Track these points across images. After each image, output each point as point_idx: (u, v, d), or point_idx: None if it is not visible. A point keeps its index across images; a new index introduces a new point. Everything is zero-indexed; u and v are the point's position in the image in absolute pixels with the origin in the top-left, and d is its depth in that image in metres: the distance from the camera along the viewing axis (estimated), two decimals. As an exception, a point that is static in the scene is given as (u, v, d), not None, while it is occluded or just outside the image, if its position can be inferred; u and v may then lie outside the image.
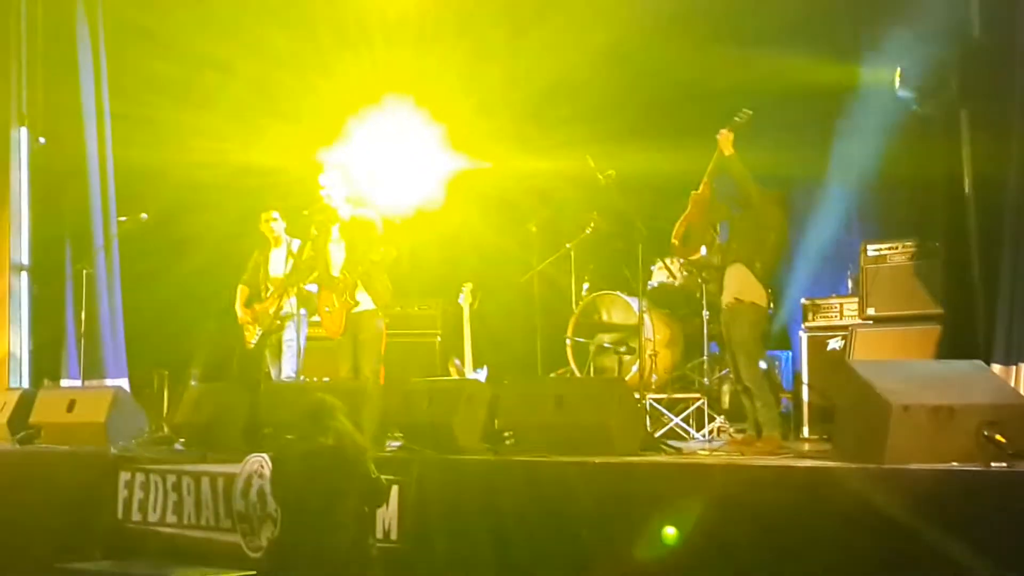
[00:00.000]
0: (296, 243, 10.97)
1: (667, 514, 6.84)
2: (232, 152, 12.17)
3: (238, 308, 11.17)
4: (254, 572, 8.10)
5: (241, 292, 11.20)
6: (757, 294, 8.99)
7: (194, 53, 12.68)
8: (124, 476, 9.30)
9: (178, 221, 12.42)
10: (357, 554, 7.17)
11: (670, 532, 6.64)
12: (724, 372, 10.66)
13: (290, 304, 10.89)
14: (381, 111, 12.64)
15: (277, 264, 11.08)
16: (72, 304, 12.13)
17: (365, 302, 10.05)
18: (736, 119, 9.09)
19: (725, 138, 9.08)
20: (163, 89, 12.78)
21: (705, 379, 10.68)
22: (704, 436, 10.23)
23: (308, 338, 11.14)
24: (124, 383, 12.22)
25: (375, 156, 12.06)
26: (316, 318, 10.82)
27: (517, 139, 12.06)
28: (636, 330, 10.51)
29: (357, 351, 10.02)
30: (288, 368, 10.86)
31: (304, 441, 7.23)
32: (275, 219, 11.06)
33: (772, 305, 9.50)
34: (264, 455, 8.40)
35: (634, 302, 10.79)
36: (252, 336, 11.09)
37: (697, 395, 10.69)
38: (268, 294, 11.01)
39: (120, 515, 9.26)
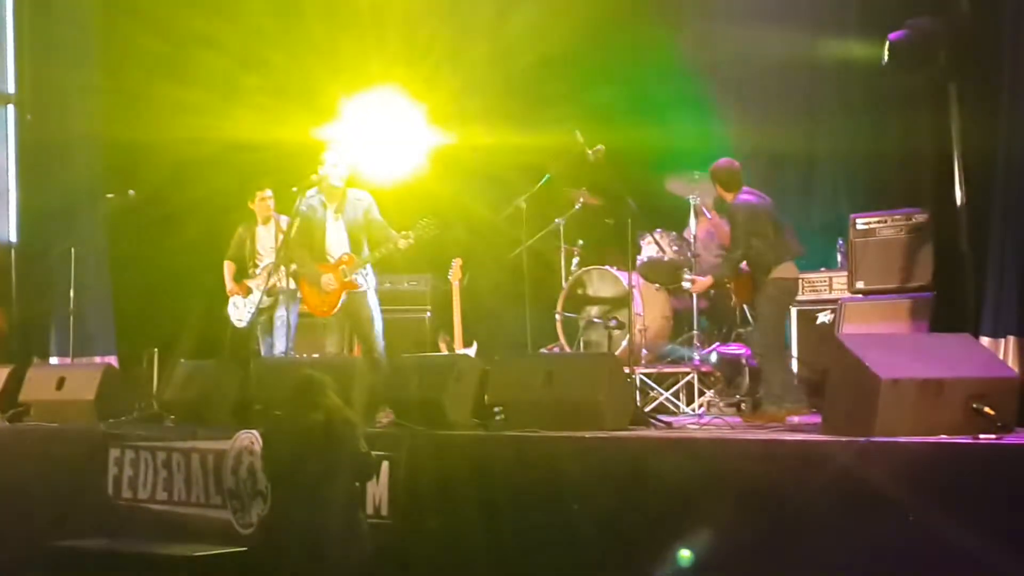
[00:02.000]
0: (284, 219, 10.96)
1: (657, 488, 6.87)
2: (222, 129, 12.14)
3: (228, 283, 11.16)
4: (244, 548, 8.09)
5: (229, 268, 11.21)
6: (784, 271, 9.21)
7: (183, 30, 12.65)
8: (114, 453, 9.30)
9: (167, 198, 12.38)
10: (348, 530, 7.18)
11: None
12: (713, 347, 10.70)
13: (281, 281, 10.88)
14: (370, 90, 12.66)
15: (265, 241, 11.06)
16: (60, 282, 12.09)
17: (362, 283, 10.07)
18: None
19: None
20: (152, 65, 12.74)
21: (695, 353, 10.69)
22: (694, 410, 10.25)
23: (299, 315, 11.15)
24: (113, 360, 12.22)
25: (366, 134, 12.08)
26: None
27: (505, 116, 12.05)
28: (626, 305, 10.52)
29: (360, 331, 10.07)
30: (280, 345, 10.87)
31: (294, 417, 7.23)
32: (270, 197, 11.07)
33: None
34: (254, 432, 8.40)
35: (624, 277, 10.79)
36: (240, 313, 11.08)
37: (687, 369, 10.70)
38: (258, 271, 11.00)
39: (110, 492, 9.26)
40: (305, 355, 11.06)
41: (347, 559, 7.10)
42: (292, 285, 10.90)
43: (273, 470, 7.51)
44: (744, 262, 9.30)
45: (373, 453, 7.48)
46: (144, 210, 12.14)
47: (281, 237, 10.90)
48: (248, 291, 11.04)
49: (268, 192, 11.08)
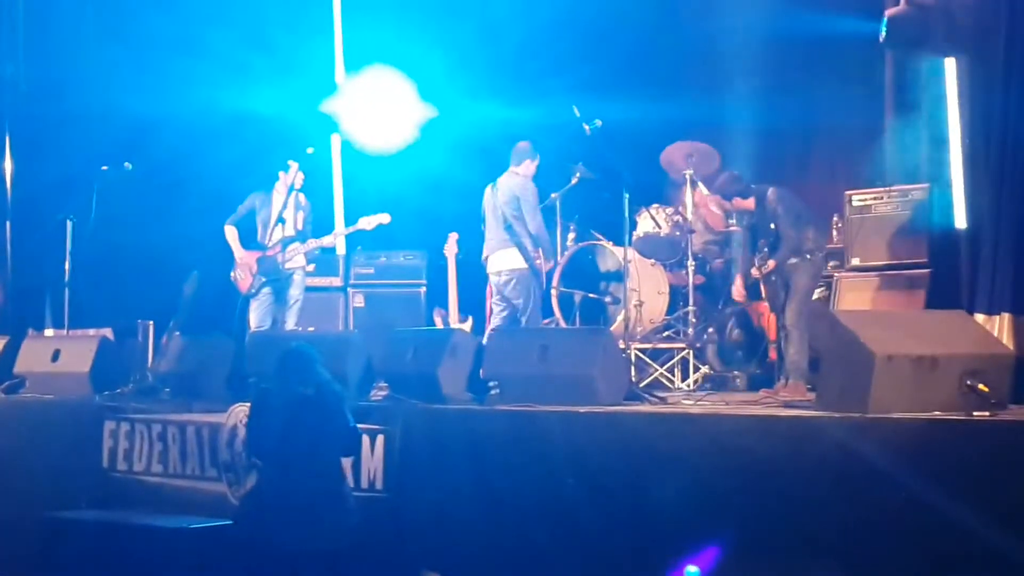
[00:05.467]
0: (300, 194, 11.03)
1: (651, 464, 6.88)
2: (222, 103, 12.15)
3: (238, 250, 11.15)
4: (231, 521, 8.09)
5: (232, 233, 11.19)
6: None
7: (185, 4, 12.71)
8: (109, 425, 9.30)
9: (167, 170, 12.39)
10: (335, 502, 7.20)
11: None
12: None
13: (295, 255, 10.95)
14: (368, 66, 12.69)
15: (278, 212, 11.03)
16: (55, 253, 12.06)
17: None
18: None
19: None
20: (152, 38, 12.73)
21: (690, 329, 10.71)
22: (689, 386, 10.26)
23: (305, 288, 11.23)
24: (108, 332, 12.20)
25: (363, 107, 12.12)
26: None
27: (498, 90, 12.05)
28: (621, 280, 10.52)
29: None
30: (291, 321, 10.91)
31: (283, 390, 7.22)
32: (299, 169, 11.09)
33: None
34: (248, 404, 8.40)
35: (620, 252, 10.79)
36: (247, 281, 11.06)
37: (682, 345, 10.71)
38: (272, 243, 10.97)
39: (105, 464, 9.26)
40: (301, 328, 11.07)
41: (335, 531, 7.12)
42: (303, 261, 11.02)
43: (257, 442, 7.48)
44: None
45: (364, 427, 7.49)
46: (143, 182, 12.11)
47: (299, 212, 11.00)
48: (256, 259, 11.03)
49: (299, 165, 11.12)
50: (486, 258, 10.64)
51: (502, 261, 10.49)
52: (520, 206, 10.49)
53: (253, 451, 7.79)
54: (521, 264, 10.44)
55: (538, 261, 10.56)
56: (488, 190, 10.74)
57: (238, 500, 8.37)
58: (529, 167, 10.64)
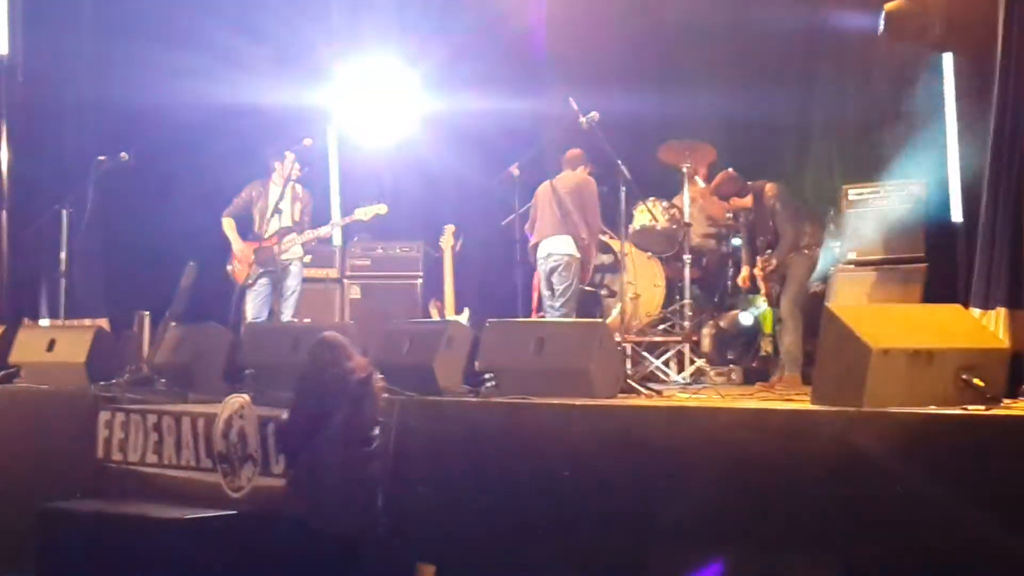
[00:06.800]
0: (297, 185, 11.03)
1: (646, 457, 6.88)
2: (218, 94, 12.13)
3: (236, 241, 11.15)
4: (235, 512, 8.09)
5: (231, 225, 11.21)
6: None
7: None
8: (104, 416, 9.29)
9: (163, 161, 12.36)
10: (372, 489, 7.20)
11: None
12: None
13: (292, 246, 10.96)
14: (364, 55, 12.66)
15: (274, 203, 11.04)
16: (51, 243, 12.06)
17: None
18: None
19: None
20: (149, 28, 12.70)
21: (686, 322, 10.71)
22: (684, 379, 10.27)
23: (303, 279, 11.24)
24: (104, 323, 12.20)
25: (360, 99, 12.10)
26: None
27: (495, 82, 12.04)
28: (618, 273, 10.53)
29: None
30: (288, 313, 10.91)
31: (333, 376, 7.15)
32: (295, 160, 11.07)
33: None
34: (245, 395, 8.40)
35: (616, 245, 10.79)
36: (243, 272, 11.07)
37: (678, 338, 10.72)
38: (269, 234, 10.98)
39: (100, 455, 9.26)
40: (298, 320, 11.07)
41: (368, 516, 7.12)
42: (300, 252, 11.03)
43: (303, 427, 7.28)
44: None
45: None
46: (140, 173, 12.09)
47: (297, 203, 11.00)
48: (254, 250, 11.03)
49: (294, 155, 11.11)
50: (536, 244, 10.72)
51: (555, 245, 10.63)
52: (585, 198, 10.69)
53: (297, 436, 7.47)
54: (574, 251, 10.63)
55: (589, 254, 10.73)
56: (546, 186, 10.83)
57: (234, 491, 8.36)
58: (584, 171, 10.82)
